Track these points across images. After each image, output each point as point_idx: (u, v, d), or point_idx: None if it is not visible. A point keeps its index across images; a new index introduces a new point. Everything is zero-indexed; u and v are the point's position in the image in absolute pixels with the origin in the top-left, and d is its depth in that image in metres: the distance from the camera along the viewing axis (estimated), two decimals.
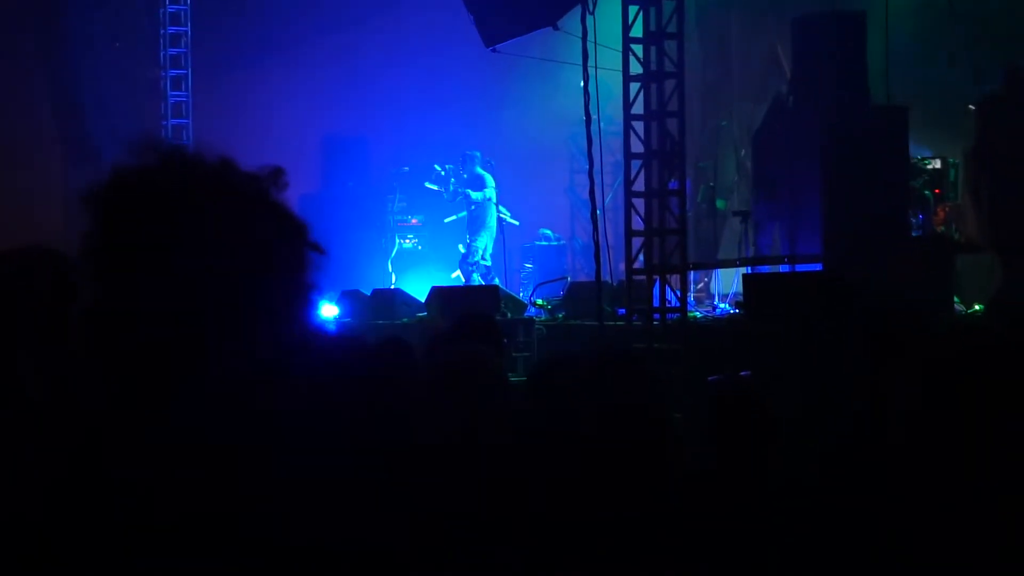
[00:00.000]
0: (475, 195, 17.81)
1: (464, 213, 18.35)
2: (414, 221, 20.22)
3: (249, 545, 1.66)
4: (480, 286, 16.60)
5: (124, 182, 1.74)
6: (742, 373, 4.35)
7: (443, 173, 19.06)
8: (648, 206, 12.59)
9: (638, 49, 12.56)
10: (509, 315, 13.54)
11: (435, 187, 18.95)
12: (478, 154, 18.21)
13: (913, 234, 12.88)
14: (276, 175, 1.80)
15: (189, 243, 1.70)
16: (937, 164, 14.12)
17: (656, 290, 12.37)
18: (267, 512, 1.68)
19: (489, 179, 17.96)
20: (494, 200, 17.88)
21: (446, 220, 19.09)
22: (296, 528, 1.70)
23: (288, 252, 1.78)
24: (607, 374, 2.59)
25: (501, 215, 18.07)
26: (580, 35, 12.44)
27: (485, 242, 17.83)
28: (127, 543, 1.62)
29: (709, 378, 4.29)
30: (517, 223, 18.77)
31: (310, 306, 1.82)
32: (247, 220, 1.76)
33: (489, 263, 17.87)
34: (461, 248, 18.39)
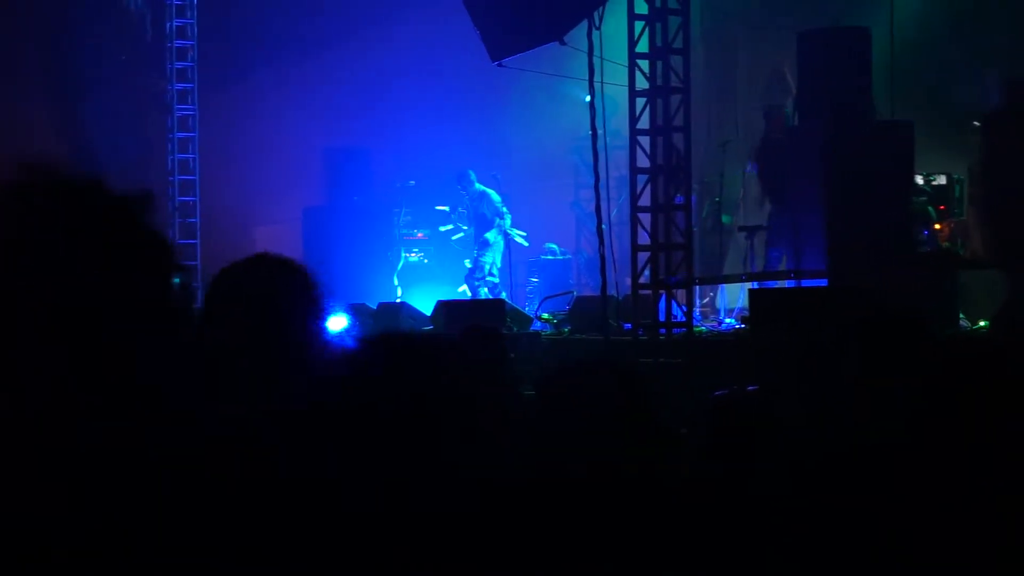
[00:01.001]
0: (486, 211, 17.85)
1: (471, 229, 18.36)
2: (420, 235, 20.24)
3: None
4: (486, 300, 16.60)
5: None
6: (748, 388, 4.35)
7: (447, 209, 19.15)
8: (654, 221, 12.60)
9: (644, 64, 12.58)
10: (515, 329, 13.54)
11: (449, 227, 19.00)
12: (471, 172, 18.22)
13: (918, 250, 12.88)
14: (145, 199, 1.86)
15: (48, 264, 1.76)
16: (942, 180, 14.13)
17: (662, 305, 12.37)
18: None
19: (493, 194, 17.97)
20: (502, 215, 17.89)
21: (453, 237, 19.10)
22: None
23: (144, 274, 1.83)
24: (601, 384, 2.60)
25: (510, 234, 18.08)
26: (586, 50, 12.47)
27: (492, 257, 17.84)
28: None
29: (714, 392, 4.29)
30: (527, 244, 18.80)
31: (170, 327, 1.86)
32: (105, 240, 1.80)
33: (497, 279, 17.88)
34: (467, 263, 18.40)
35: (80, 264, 1.77)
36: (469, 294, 17.92)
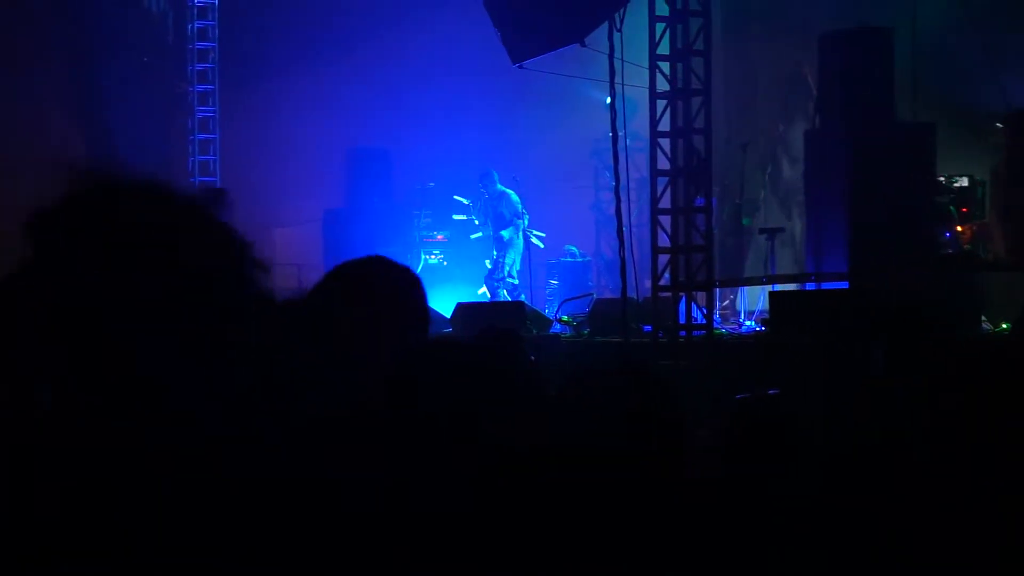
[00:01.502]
0: (505, 211, 17.86)
1: (488, 228, 18.36)
2: (440, 237, 20.25)
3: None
4: (506, 302, 16.60)
5: (60, 214, 1.79)
6: (770, 391, 4.33)
7: (466, 202, 19.10)
8: (674, 223, 12.57)
9: (665, 66, 12.56)
10: (535, 331, 13.53)
11: (463, 216, 18.95)
12: (495, 173, 18.23)
13: (940, 252, 12.83)
14: (217, 196, 1.84)
15: (126, 275, 1.74)
16: (964, 182, 14.07)
17: (682, 307, 12.35)
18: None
19: (512, 195, 17.97)
20: (521, 216, 17.89)
21: (472, 236, 19.09)
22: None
23: (227, 271, 1.81)
24: (622, 384, 2.59)
25: (529, 235, 18.08)
26: (607, 52, 12.45)
27: (512, 258, 17.84)
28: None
29: (736, 396, 4.27)
30: (543, 246, 18.79)
31: (267, 321, 1.85)
32: (180, 241, 1.79)
33: (516, 280, 17.87)
34: (487, 264, 18.39)
35: (159, 267, 1.76)
36: (488, 296, 17.92)
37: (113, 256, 1.75)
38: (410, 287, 3.07)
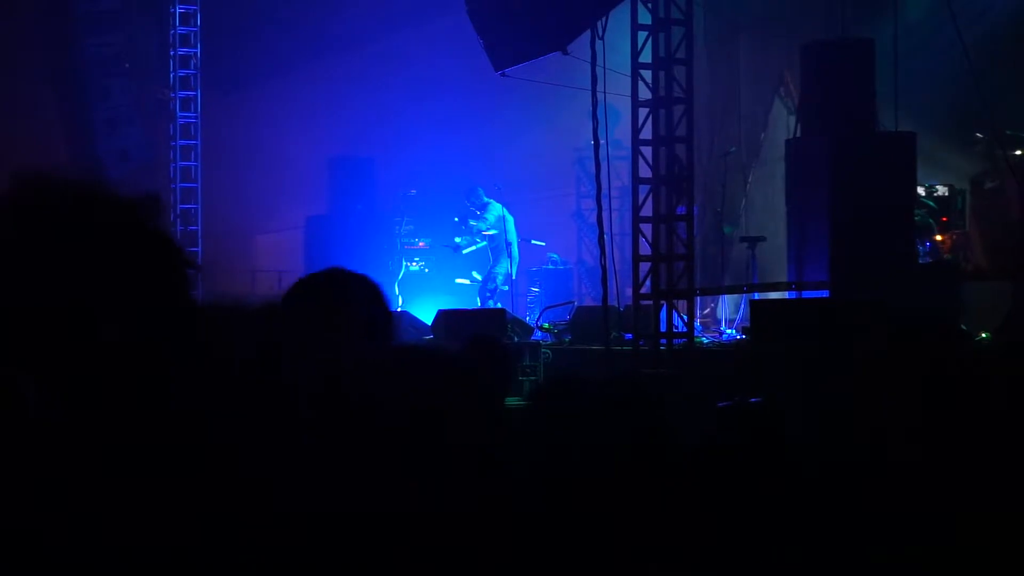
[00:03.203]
0: (485, 226, 17.89)
1: (484, 243, 18.32)
2: (421, 244, 20.22)
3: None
4: (487, 309, 16.59)
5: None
6: (752, 400, 4.33)
7: (456, 219, 19.07)
8: (655, 231, 12.59)
9: (647, 74, 12.58)
10: (516, 339, 13.53)
11: (461, 240, 18.88)
12: (480, 189, 18.25)
13: (920, 261, 12.88)
14: (151, 202, 1.87)
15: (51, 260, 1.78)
16: (944, 191, 14.14)
17: (663, 315, 12.36)
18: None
19: (496, 206, 17.98)
20: (509, 226, 17.89)
21: (464, 251, 18.98)
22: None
23: (157, 272, 1.83)
24: (611, 396, 2.59)
25: (522, 243, 18.11)
26: (589, 60, 12.46)
27: (504, 268, 17.85)
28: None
29: (718, 404, 4.27)
30: (543, 243, 18.83)
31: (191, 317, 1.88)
32: (111, 241, 1.82)
33: (506, 288, 17.88)
34: (476, 275, 18.42)
35: (89, 268, 1.78)
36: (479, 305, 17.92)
37: (43, 253, 1.78)
38: (370, 299, 3.07)
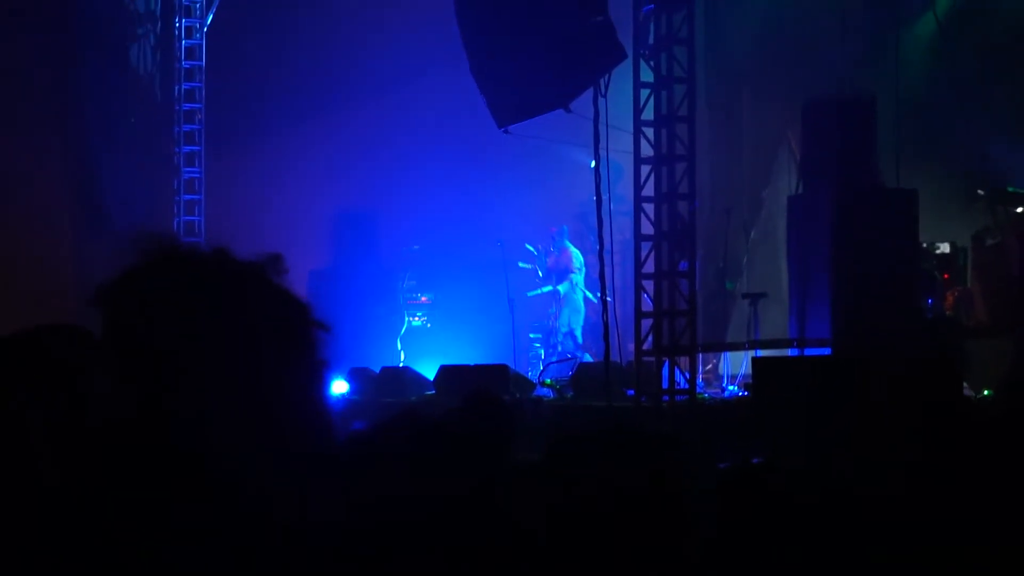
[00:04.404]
0: (567, 266, 17.93)
1: (549, 288, 18.32)
2: (424, 299, 20.22)
3: None
4: (488, 365, 16.56)
5: (130, 281, 1.79)
6: (753, 460, 4.32)
7: (535, 252, 19.06)
8: (658, 287, 12.59)
9: (649, 132, 12.62)
10: (518, 395, 13.51)
11: (528, 266, 18.87)
12: (566, 228, 18.31)
13: (923, 318, 12.86)
14: (274, 261, 1.86)
15: (198, 338, 1.76)
16: (946, 248, 14.15)
17: (665, 371, 12.34)
18: None
19: (577, 254, 18.00)
20: (578, 272, 17.91)
21: (529, 294, 18.91)
22: None
23: (294, 333, 1.83)
24: (620, 450, 2.59)
25: (586, 294, 18.11)
26: (592, 117, 12.52)
27: (568, 316, 17.83)
28: None
29: (719, 465, 4.26)
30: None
31: (324, 384, 1.87)
32: (250, 307, 1.81)
33: (580, 340, 17.83)
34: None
35: (231, 324, 1.78)
36: (542, 353, 17.98)
37: (187, 317, 1.77)
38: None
